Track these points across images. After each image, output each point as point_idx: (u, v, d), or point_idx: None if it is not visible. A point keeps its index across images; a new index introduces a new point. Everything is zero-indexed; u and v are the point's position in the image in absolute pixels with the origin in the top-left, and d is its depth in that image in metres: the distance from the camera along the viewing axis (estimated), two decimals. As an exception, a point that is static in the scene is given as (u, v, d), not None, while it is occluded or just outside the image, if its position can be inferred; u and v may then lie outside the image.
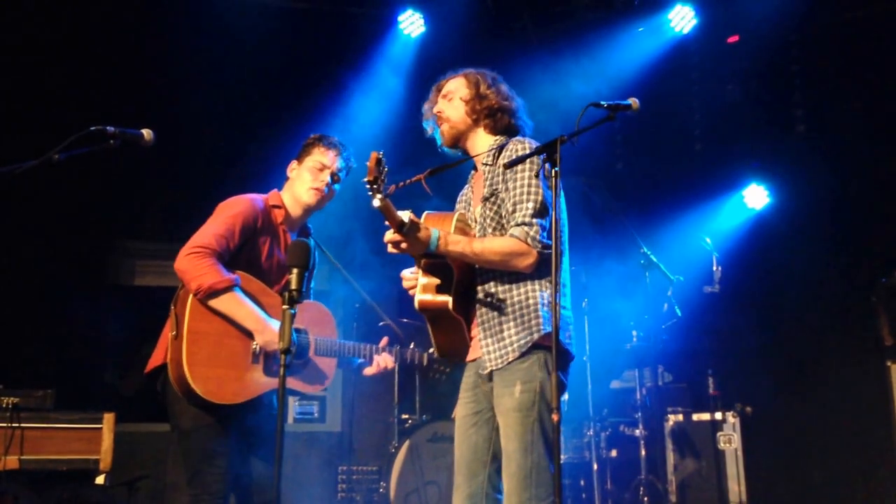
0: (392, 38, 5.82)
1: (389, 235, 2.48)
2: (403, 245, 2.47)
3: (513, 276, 2.62)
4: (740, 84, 5.85)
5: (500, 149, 2.73)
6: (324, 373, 3.23)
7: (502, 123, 2.78)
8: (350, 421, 5.52)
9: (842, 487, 5.25)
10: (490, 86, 2.77)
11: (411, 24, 5.80)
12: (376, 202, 2.34)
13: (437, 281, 2.60)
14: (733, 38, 5.85)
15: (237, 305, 2.97)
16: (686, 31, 5.82)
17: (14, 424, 3.27)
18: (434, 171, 2.59)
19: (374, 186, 2.31)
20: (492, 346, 2.62)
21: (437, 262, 2.60)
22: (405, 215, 2.42)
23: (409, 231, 2.44)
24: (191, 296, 2.95)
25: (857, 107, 5.44)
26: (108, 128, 2.64)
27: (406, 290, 2.71)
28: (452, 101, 2.78)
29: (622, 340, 5.21)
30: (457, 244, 2.53)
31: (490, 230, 2.67)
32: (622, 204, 5.55)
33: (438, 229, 2.54)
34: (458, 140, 2.80)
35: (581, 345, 4.97)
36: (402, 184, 2.50)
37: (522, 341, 2.57)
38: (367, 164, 2.31)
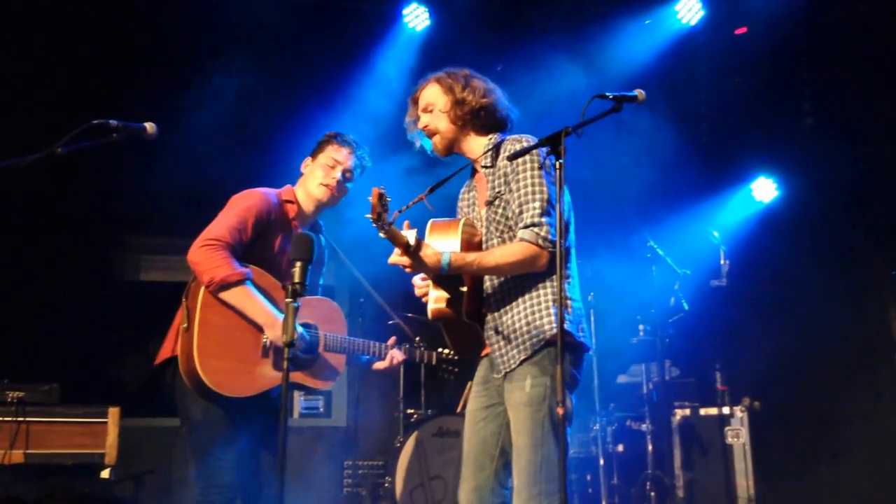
0: (397, 31, 5.80)
1: (395, 258, 2.49)
2: (408, 270, 2.49)
3: (522, 276, 2.61)
4: (748, 76, 5.80)
5: (496, 148, 2.72)
6: (333, 369, 3.24)
7: (489, 121, 2.77)
8: (355, 415, 5.52)
9: (851, 482, 5.21)
10: (465, 87, 2.74)
11: (416, 17, 5.77)
12: (382, 234, 2.37)
13: (448, 289, 2.61)
14: (741, 30, 5.80)
15: (248, 299, 2.97)
16: (693, 22, 5.77)
17: (19, 418, 3.27)
18: (434, 188, 2.61)
19: (379, 223, 2.33)
20: (504, 347, 2.62)
21: None
22: (410, 236, 2.43)
23: (415, 252, 2.44)
24: (203, 288, 2.97)
25: (866, 98, 5.39)
26: (110, 121, 2.64)
27: (418, 296, 2.71)
28: (434, 112, 2.77)
29: (629, 334, 5.18)
30: (471, 264, 2.53)
31: (497, 233, 2.67)
32: (628, 197, 5.52)
33: (447, 246, 2.54)
34: (451, 148, 2.80)
35: (589, 340, 4.94)
36: (404, 208, 2.51)
37: (535, 339, 2.57)
38: (370, 199, 2.32)
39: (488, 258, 2.55)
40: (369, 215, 2.32)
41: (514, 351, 2.59)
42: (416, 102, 2.85)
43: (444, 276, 2.59)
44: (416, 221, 2.55)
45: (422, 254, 2.45)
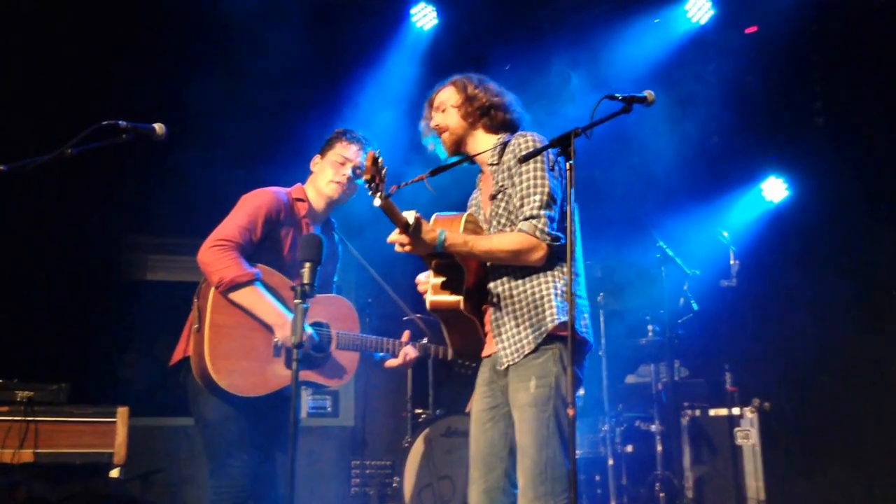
0: (405, 30, 5.79)
1: (394, 236, 2.48)
2: (408, 246, 2.46)
3: (524, 270, 2.61)
4: (758, 75, 5.76)
5: (504, 146, 2.71)
6: (345, 367, 3.25)
7: (498, 120, 2.78)
8: (363, 415, 5.51)
9: (861, 484, 5.18)
10: (477, 86, 2.77)
11: (424, 16, 5.77)
12: (377, 201, 2.33)
13: (448, 281, 2.60)
14: (751, 29, 5.77)
15: (257, 299, 2.98)
16: (703, 21, 5.74)
17: (29, 418, 3.27)
18: (436, 171, 2.60)
19: (373, 185, 2.30)
20: (507, 341, 2.61)
21: (447, 263, 2.59)
22: (410, 216, 2.41)
23: (413, 232, 2.43)
24: (213, 289, 2.97)
25: (877, 98, 5.35)
26: (120, 122, 2.64)
27: (421, 293, 2.71)
28: (446, 111, 2.79)
29: (638, 335, 5.16)
30: (464, 244, 2.52)
31: (498, 227, 2.67)
32: (637, 197, 5.49)
33: (446, 230, 2.53)
34: (459, 146, 2.80)
35: (596, 339, 4.93)
36: (404, 184, 2.50)
37: (537, 333, 2.56)
38: (365, 163, 2.32)
39: (483, 241, 2.55)
40: (364, 178, 2.31)
41: (517, 345, 2.58)
42: (431, 105, 2.86)
43: (445, 265, 2.59)
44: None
45: (421, 233, 2.44)
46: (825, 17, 5.55)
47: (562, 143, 2.37)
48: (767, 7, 5.52)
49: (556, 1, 5.78)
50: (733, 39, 5.78)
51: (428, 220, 2.65)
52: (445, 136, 2.79)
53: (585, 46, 5.46)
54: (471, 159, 2.81)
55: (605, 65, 5.43)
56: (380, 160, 2.30)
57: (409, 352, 3.36)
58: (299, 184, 3.33)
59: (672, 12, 5.74)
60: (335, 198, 3.27)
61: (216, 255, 2.97)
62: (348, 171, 3.25)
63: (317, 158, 3.34)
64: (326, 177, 3.25)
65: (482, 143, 2.77)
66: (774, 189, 5.87)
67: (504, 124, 2.78)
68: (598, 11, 5.63)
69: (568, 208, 2.38)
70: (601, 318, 4.97)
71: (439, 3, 5.74)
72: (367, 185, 2.31)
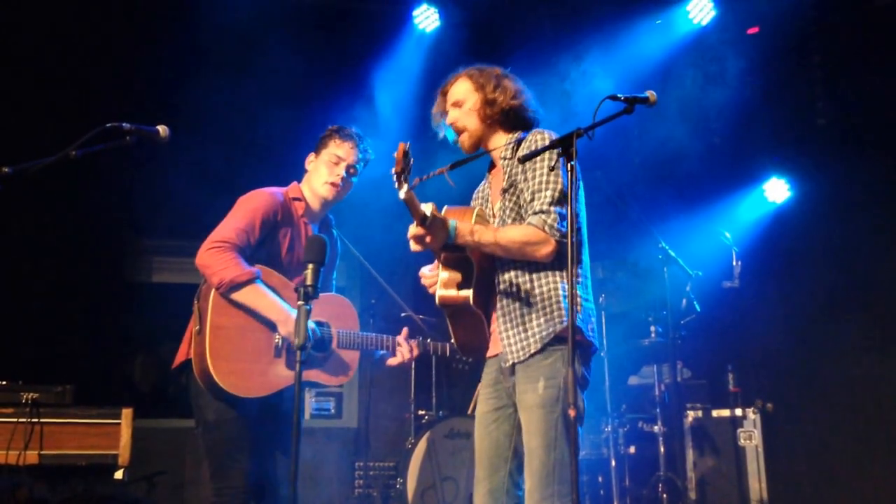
0: (407, 33, 5.81)
1: (413, 230, 2.47)
2: (427, 239, 2.46)
3: (534, 267, 2.61)
4: (760, 76, 5.77)
5: (518, 142, 2.73)
6: (346, 365, 3.26)
7: (517, 120, 2.79)
8: (366, 416, 5.53)
9: (865, 485, 5.17)
10: (496, 87, 2.77)
11: (426, 18, 5.78)
12: (402, 194, 2.32)
13: (457, 275, 2.60)
14: (753, 30, 5.77)
15: (259, 297, 2.99)
16: (705, 22, 5.75)
17: (34, 420, 3.28)
18: (456, 165, 2.60)
19: (402, 178, 2.30)
20: (513, 338, 2.61)
21: (456, 257, 2.59)
22: (427, 208, 2.41)
23: (431, 224, 2.43)
24: (213, 290, 2.98)
25: (878, 98, 5.35)
26: (124, 124, 2.65)
27: (425, 287, 2.70)
28: (463, 109, 2.79)
29: (640, 336, 5.16)
30: (474, 234, 2.52)
31: (509, 222, 2.67)
32: (640, 198, 5.50)
33: (457, 221, 2.53)
34: (477, 145, 2.81)
35: (599, 340, 4.93)
36: (425, 177, 2.50)
37: (544, 332, 2.56)
38: (395, 154, 2.30)
39: (491, 232, 2.55)
40: (393, 170, 2.29)
41: (524, 342, 2.58)
42: (444, 95, 2.86)
43: (454, 260, 2.59)
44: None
45: (437, 224, 2.44)
46: (826, 17, 5.55)
47: (563, 144, 2.37)
48: (769, 8, 5.52)
49: (558, 2, 5.79)
50: (735, 40, 5.78)
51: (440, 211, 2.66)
52: (464, 136, 2.79)
53: (587, 48, 5.46)
54: (486, 152, 2.82)
55: (607, 66, 5.43)
56: (409, 153, 2.30)
57: (408, 349, 3.36)
58: (295, 182, 3.32)
59: (674, 13, 5.75)
60: (330, 198, 3.27)
61: (215, 257, 2.97)
62: (342, 172, 3.24)
63: (311, 157, 3.33)
64: (321, 177, 3.25)
65: (499, 141, 2.79)
66: (777, 190, 5.87)
67: (521, 123, 2.80)
68: (599, 13, 5.64)
69: (569, 207, 2.38)
70: (603, 319, 4.97)
71: (441, 5, 5.75)
72: (394, 177, 2.30)
